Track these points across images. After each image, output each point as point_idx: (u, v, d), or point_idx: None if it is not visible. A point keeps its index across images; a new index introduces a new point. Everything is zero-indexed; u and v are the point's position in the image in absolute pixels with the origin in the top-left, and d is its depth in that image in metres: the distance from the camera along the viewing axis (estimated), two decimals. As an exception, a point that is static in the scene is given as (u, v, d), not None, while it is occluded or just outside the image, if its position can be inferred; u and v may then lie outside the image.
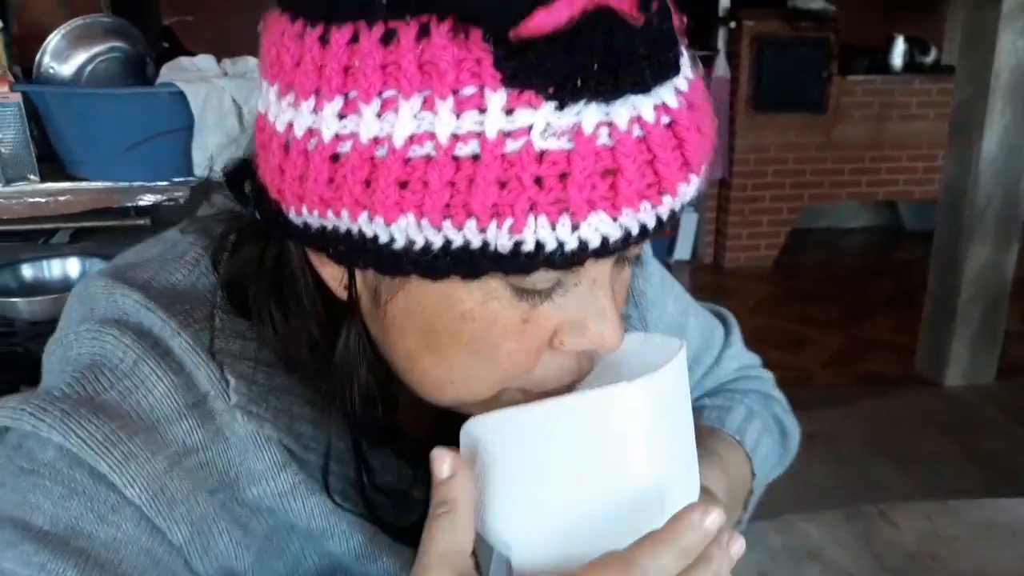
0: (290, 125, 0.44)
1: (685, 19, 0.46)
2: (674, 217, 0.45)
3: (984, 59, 3.16)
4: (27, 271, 2.43)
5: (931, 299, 3.47)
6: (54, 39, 2.33)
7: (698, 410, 0.77)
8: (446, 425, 0.52)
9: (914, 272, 3.93)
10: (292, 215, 0.46)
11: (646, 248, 0.67)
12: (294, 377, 0.53)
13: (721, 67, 4.65)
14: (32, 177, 2.25)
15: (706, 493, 0.54)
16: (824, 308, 4.25)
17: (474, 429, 0.47)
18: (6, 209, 2.20)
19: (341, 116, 0.41)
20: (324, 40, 0.42)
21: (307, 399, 0.54)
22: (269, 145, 0.46)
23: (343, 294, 0.49)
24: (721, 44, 4.66)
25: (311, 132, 0.43)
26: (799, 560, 0.80)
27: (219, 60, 2.40)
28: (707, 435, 0.73)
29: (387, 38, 0.40)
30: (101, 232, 2.28)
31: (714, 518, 0.44)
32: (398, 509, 0.58)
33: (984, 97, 3.16)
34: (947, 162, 3.39)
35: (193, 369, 0.51)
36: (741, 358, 0.84)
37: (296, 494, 0.53)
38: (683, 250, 4.95)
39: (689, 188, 0.45)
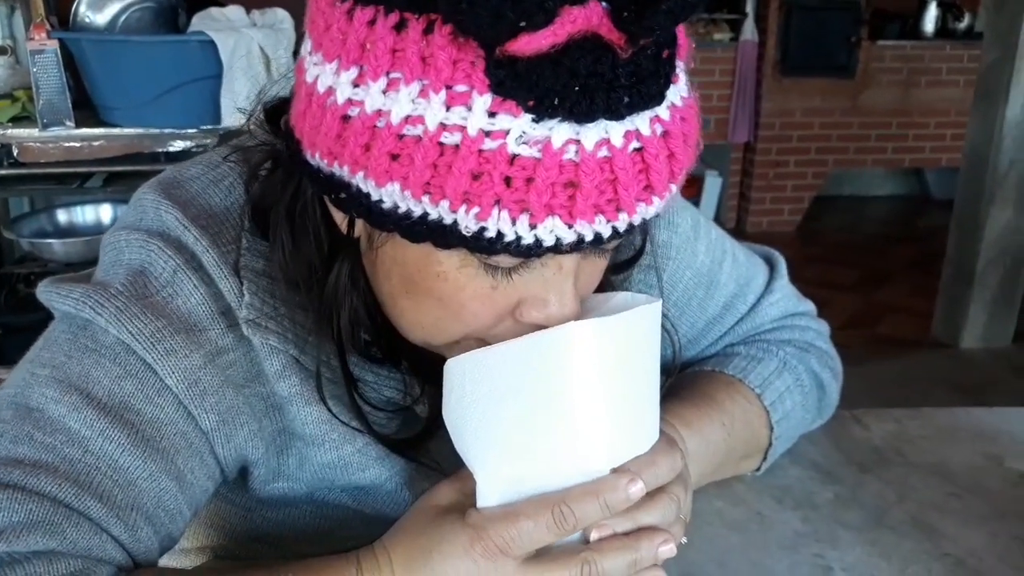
0: (316, 79, 0.49)
1: (692, 44, 0.50)
2: (632, 230, 0.49)
3: (1012, 22, 3.14)
4: (62, 216, 2.53)
5: (950, 262, 3.47)
6: (89, -12, 2.39)
7: (727, 358, 0.80)
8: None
9: (937, 239, 3.92)
10: (308, 156, 0.52)
11: (678, 196, 0.70)
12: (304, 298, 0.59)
13: (749, 30, 4.62)
14: (68, 123, 2.32)
15: (666, 440, 0.57)
16: (843, 272, 4.26)
17: (452, 366, 0.55)
18: (43, 152, 2.28)
19: (355, 84, 0.46)
20: (350, 15, 0.47)
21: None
22: (300, 90, 0.52)
23: (345, 231, 0.56)
24: (750, 7, 4.63)
25: (330, 90, 0.48)
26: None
27: (248, 11, 2.45)
28: (721, 386, 0.77)
29: (399, 26, 0.45)
30: (133, 177, 2.35)
31: (638, 489, 0.53)
32: (401, 423, 0.64)
33: (1011, 60, 3.13)
34: (971, 125, 3.37)
35: (219, 282, 0.58)
36: (785, 305, 0.83)
37: (294, 401, 0.60)
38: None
39: (650, 208, 0.48)
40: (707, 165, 4.86)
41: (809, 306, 0.86)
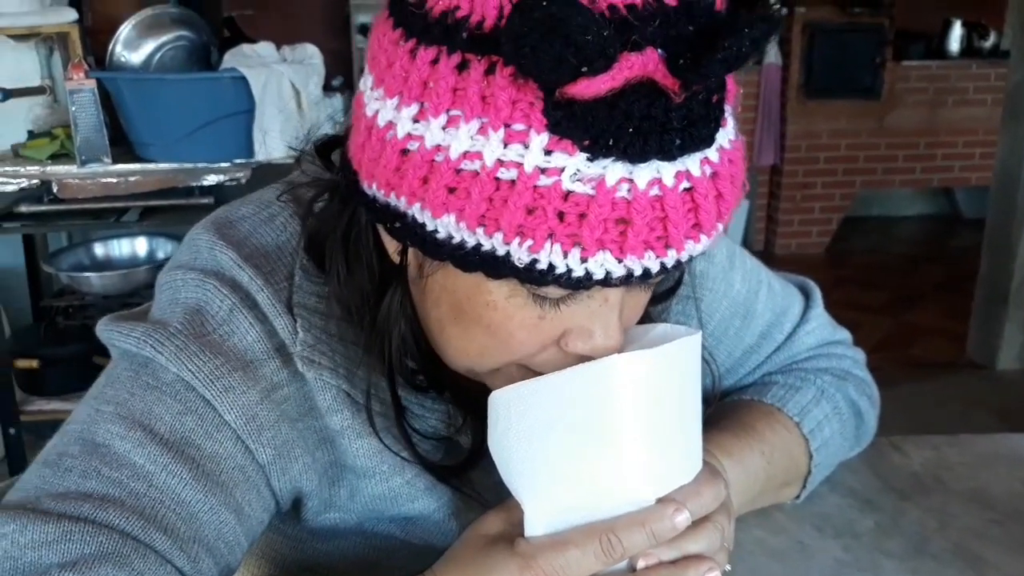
0: (376, 113, 0.51)
1: (740, 89, 0.52)
2: (679, 266, 0.50)
3: (1039, 40, 3.13)
4: (99, 249, 2.58)
5: (983, 283, 3.44)
6: (125, 29, 2.46)
7: (765, 387, 0.81)
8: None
9: (968, 259, 3.88)
10: (365, 187, 0.54)
11: None
12: (356, 327, 0.61)
13: (772, 53, 4.63)
14: (105, 159, 2.38)
15: (709, 470, 0.58)
16: (874, 294, 4.23)
17: (497, 399, 0.56)
18: (81, 188, 2.34)
19: (415, 120, 0.48)
20: (413, 54, 0.48)
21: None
22: (359, 123, 0.53)
23: (396, 259, 0.57)
24: (772, 31, 4.64)
25: (390, 125, 0.50)
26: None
27: (279, 47, 2.50)
28: (761, 415, 0.77)
29: (461, 67, 0.46)
30: (168, 211, 2.40)
31: (684, 518, 0.54)
32: (444, 453, 0.66)
33: (1039, 79, 3.13)
34: (1001, 144, 3.35)
35: (273, 320, 0.60)
36: (821, 334, 0.84)
37: (346, 434, 0.62)
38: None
39: (698, 246, 0.50)
40: (733, 188, 4.85)
41: (845, 334, 0.87)
